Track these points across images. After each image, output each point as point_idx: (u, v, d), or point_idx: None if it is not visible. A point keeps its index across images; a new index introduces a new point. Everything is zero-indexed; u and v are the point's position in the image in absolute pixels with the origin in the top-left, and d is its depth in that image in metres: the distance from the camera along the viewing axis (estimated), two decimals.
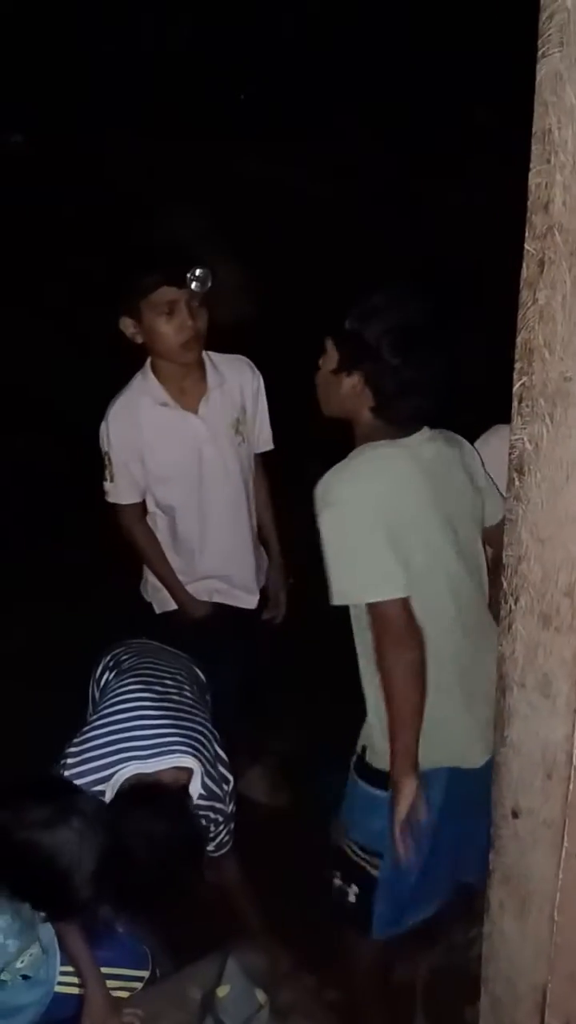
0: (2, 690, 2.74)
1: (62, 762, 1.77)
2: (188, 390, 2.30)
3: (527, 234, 0.88)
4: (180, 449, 2.31)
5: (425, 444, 1.69)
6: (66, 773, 1.73)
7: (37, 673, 2.86)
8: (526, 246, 0.88)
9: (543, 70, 0.81)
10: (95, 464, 2.32)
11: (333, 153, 5.34)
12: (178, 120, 5.46)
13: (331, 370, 1.67)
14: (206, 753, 1.82)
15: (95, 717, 1.85)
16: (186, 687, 2.00)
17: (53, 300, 4.81)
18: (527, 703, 1.03)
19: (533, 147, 0.84)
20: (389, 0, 5.42)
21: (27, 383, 4.30)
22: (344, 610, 1.66)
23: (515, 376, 0.96)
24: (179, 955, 1.98)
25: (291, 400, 2.21)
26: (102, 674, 2.09)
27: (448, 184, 5.09)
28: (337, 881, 1.78)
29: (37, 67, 5.67)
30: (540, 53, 0.80)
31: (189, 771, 1.76)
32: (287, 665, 2.68)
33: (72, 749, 1.78)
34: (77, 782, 1.71)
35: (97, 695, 2.05)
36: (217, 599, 2.45)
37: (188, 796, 1.75)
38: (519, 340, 0.94)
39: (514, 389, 0.96)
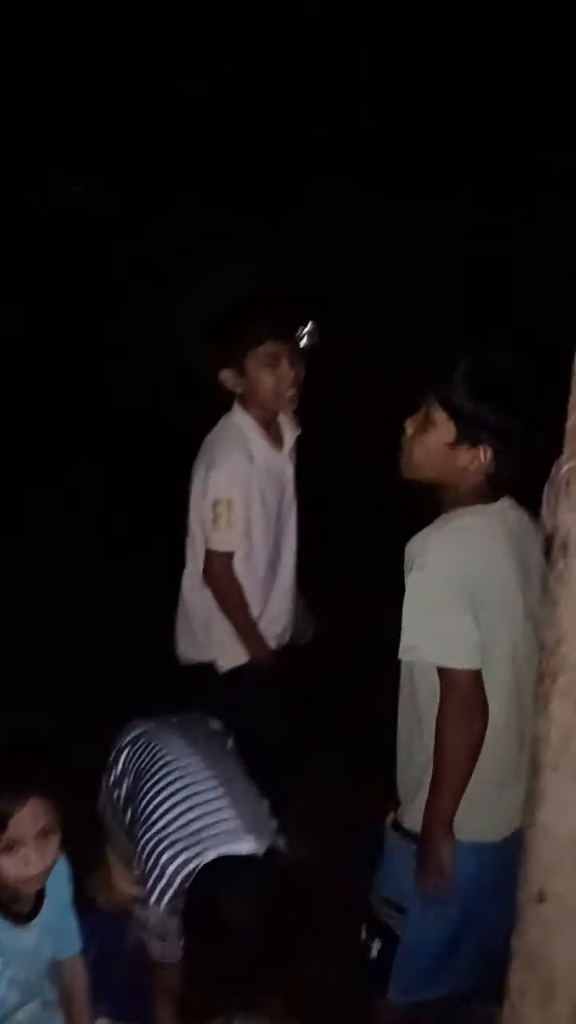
0: None
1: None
2: (274, 432, 2.39)
3: None
4: (277, 489, 2.40)
5: (509, 511, 1.70)
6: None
7: None
8: None
9: None
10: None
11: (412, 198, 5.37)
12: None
13: (447, 442, 1.63)
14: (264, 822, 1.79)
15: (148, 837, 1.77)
16: (220, 761, 1.92)
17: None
18: (560, 786, 1.02)
19: None
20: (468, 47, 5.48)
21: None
22: (363, 664, 1.68)
23: (564, 459, 0.97)
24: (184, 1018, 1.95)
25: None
26: (119, 783, 1.96)
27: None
28: (363, 934, 1.77)
29: (105, 118, 5.80)
30: None
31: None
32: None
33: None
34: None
35: (120, 805, 1.93)
36: (276, 644, 2.44)
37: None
38: (568, 425, 0.96)
39: (562, 472, 0.97)
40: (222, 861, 1.69)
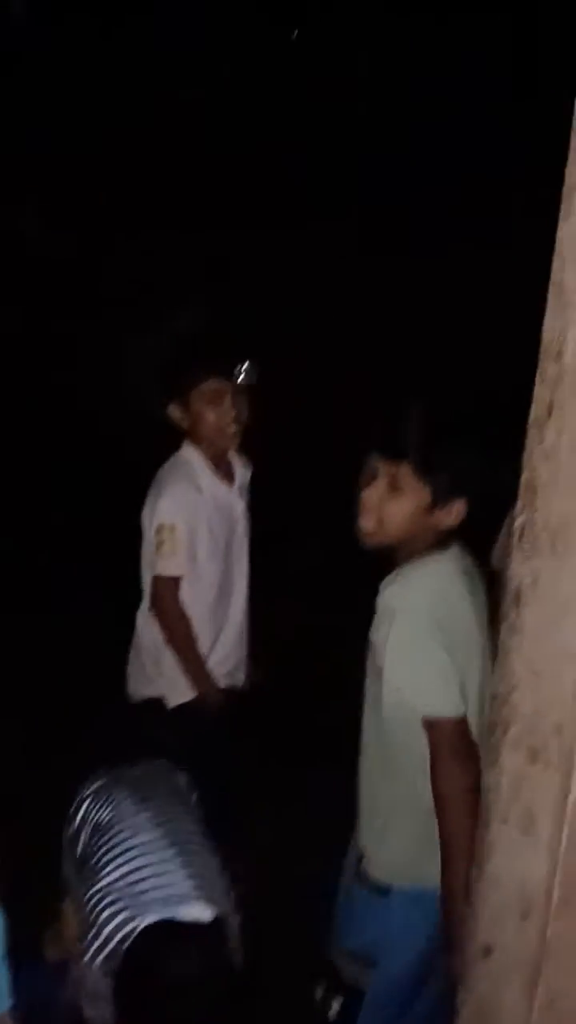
0: None
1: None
2: (224, 468, 2.46)
3: (538, 378, 0.91)
4: (226, 523, 2.43)
5: (463, 556, 1.68)
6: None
7: None
8: (536, 390, 0.91)
9: (564, 229, 0.85)
10: None
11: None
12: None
13: (422, 507, 1.58)
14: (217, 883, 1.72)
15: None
16: (179, 816, 1.85)
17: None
18: (508, 838, 1.01)
19: (549, 299, 0.87)
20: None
21: None
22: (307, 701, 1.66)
23: (517, 511, 0.98)
24: None
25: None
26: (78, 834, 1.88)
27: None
28: (320, 991, 1.73)
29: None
30: (563, 214, 0.84)
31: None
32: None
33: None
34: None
35: (77, 858, 1.85)
36: (225, 684, 2.46)
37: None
38: (524, 477, 0.97)
39: (516, 524, 0.98)
40: (162, 925, 1.62)
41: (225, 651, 2.45)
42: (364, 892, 1.70)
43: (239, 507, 2.46)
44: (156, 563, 2.34)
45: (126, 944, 1.60)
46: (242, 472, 2.48)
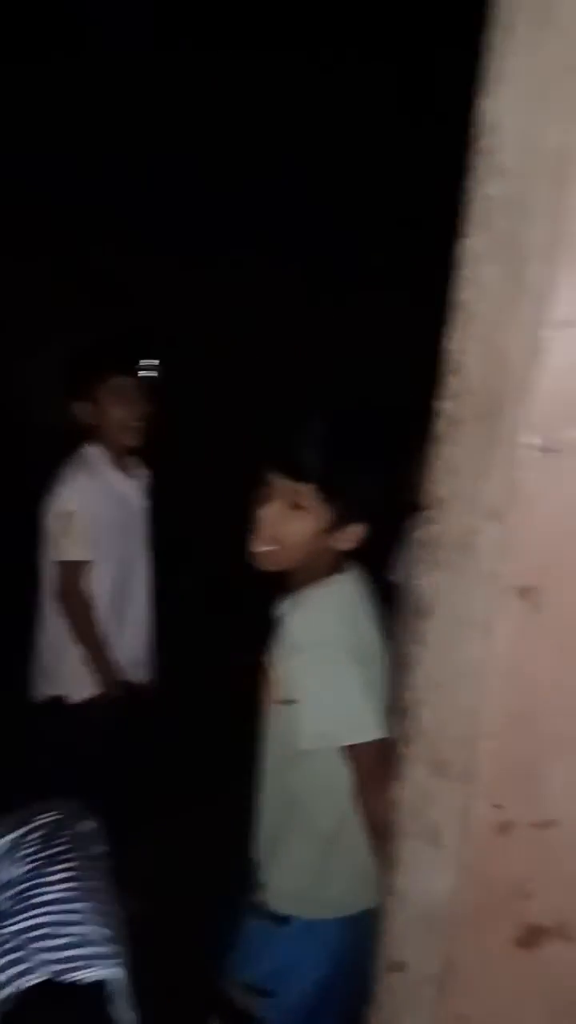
0: None
1: None
2: (125, 463, 2.54)
3: (440, 394, 0.92)
4: (126, 513, 2.50)
5: (358, 575, 1.67)
6: None
7: None
8: (438, 405, 0.92)
9: (465, 247, 0.87)
10: None
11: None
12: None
13: (323, 528, 1.55)
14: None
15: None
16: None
17: None
18: (415, 852, 1.01)
19: (451, 316, 0.89)
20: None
21: None
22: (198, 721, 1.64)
23: (420, 524, 0.99)
24: None
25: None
26: None
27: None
28: None
29: None
30: (464, 232, 0.86)
31: None
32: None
33: None
34: None
35: None
36: (126, 677, 2.50)
37: None
38: (426, 490, 0.98)
39: (419, 537, 0.99)
40: (42, 988, 1.54)
41: (128, 644, 2.51)
42: (260, 923, 1.67)
43: (137, 501, 2.53)
44: (59, 548, 2.37)
45: (6, 1007, 1.52)
46: (140, 474, 2.54)
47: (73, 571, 2.38)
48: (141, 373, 2.50)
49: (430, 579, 0.98)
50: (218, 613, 3.26)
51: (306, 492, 1.53)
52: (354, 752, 1.54)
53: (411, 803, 1.02)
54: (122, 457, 2.51)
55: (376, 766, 1.52)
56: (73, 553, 2.38)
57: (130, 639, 2.51)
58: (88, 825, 1.79)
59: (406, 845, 1.03)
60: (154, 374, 2.60)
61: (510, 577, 0.88)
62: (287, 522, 1.55)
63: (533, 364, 0.81)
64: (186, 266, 5.45)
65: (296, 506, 1.54)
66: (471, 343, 0.88)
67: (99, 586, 2.42)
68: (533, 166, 0.79)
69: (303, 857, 1.66)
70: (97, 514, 2.41)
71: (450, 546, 0.96)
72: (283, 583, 1.67)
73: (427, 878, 1.01)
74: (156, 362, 2.63)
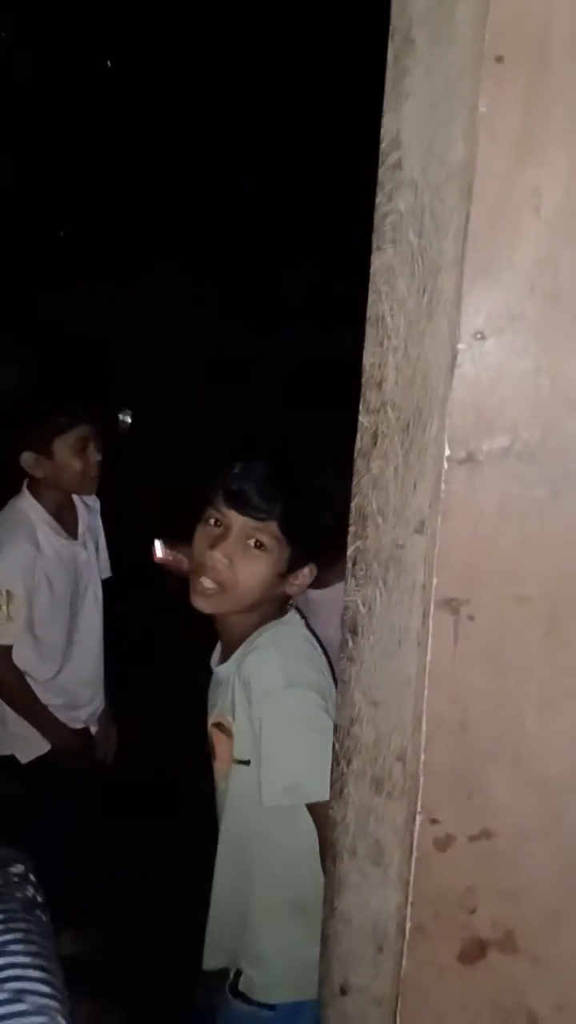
0: None
1: None
2: (67, 518, 2.39)
3: (362, 408, 0.92)
4: (70, 576, 2.36)
5: (300, 616, 1.61)
6: None
7: None
8: (361, 419, 0.92)
9: (377, 262, 0.87)
10: None
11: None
12: None
13: (280, 572, 1.49)
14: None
15: None
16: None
17: None
18: (358, 872, 1.00)
19: (367, 331, 0.88)
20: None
21: None
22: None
23: (350, 540, 0.98)
24: None
25: None
26: None
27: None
28: None
29: None
30: (375, 247, 0.86)
31: None
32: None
33: None
34: None
35: None
36: (79, 726, 2.43)
37: None
38: (353, 505, 0.97)
39: (348, 552, 0.98)
40: None
41: (79, 702, 2.42)
42: (243, 1008, 1.56)
43: (82, 556, 2.41)
44: None
45: None
46: (86, 515, 2.45)
47: (4, 653, 2.25)
48: (123, 423, 2.50)
49: (361, 594, 0.98)
50: (173, 641, 3.22)
51: (267, 530, 1.48)
52: (325, 809, 1.44)
53: (353, 822, 1.01)
54: (64, 506, 2.37)
55: None
56: (3, 637, 2.24)
57: (80, 695, 2.41)
58: (18, 868, 1.73)
59: (350, 866, 1.02)
60: (127, 421, 2.49)
61: (438, 589, 0.88)
62: (244, 562, 1.48)
63: (449, 376, 0.81)
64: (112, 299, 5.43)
65: (257, 545, 1.48)
66: (389, 357, 0.88)
67: (44, 655, 2.32)
68: (440, 179, 0.80)
69: (278, 937, 1.55)
70: (37, 587, 2.26)
71: (379, 561, 0.96)
72: (223, 629, 1.60)
73: (371, 898, 1.00)
74: (129, 412, 2.50)
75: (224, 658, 1.59)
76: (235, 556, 1.47)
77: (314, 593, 1.76)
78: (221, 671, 1.58)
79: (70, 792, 2.30)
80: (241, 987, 1.57)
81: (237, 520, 1.48)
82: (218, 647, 1.63)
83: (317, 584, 1.64)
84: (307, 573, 1.53)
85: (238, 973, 1.58)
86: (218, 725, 1.57)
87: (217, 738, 1.57)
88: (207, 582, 1.48)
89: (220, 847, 1.57)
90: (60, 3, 4.93)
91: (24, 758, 2.30)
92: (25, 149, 5.35)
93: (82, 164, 5.51)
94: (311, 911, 1.49)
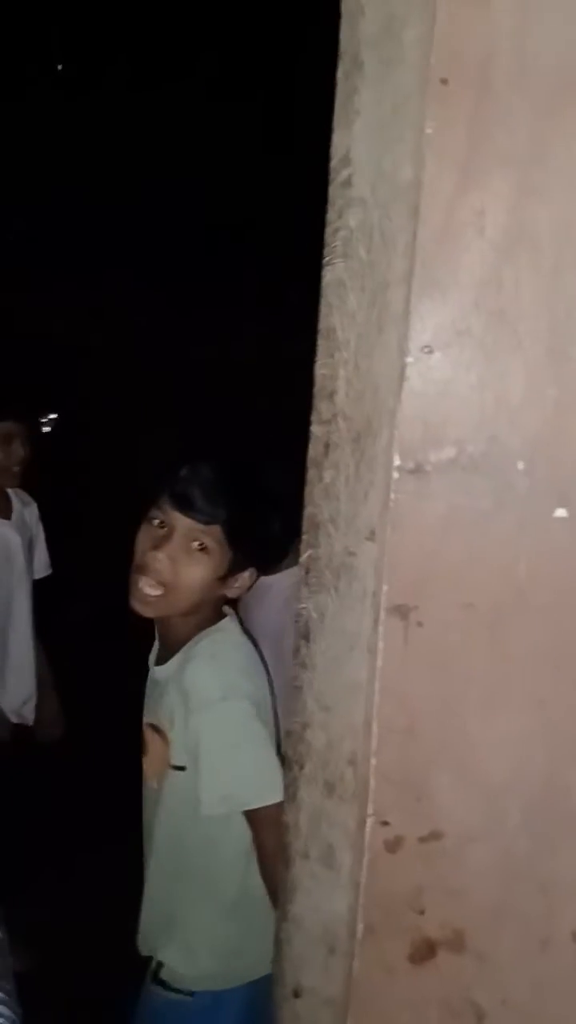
0: None
1: None
2: (1, 505, 2.48)
3: (313, 418, 0.94)
4: (2, 558, 2.43)
5: (236, 619, 1.62)
6: None
7: None
8: (313, 429, 0.94)
9: (328, 276, 0.88)
10: None
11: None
12: None
13: (220, 575, 1.50)
14: None
15: None
16: None
17: None
18: (310, 875, 1.02)
19: (319, 343, 0.90)
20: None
21: None
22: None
23: (302, 548, 1.00)
24: None
25: None
26: None
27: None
28: None
29: None
30: (326, 262, 0.88)
31: None
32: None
33: None
34: None
35: None
36: (16, 720, 2.42)
37: None
38: (306, 514, 0.99)
39: (301, 560, 1.00)
40: None
41: (11, 687, 2.43)
42: (164, 999, 1.60)
43: (15, 540, 2.46)
44: None
45: None
46: (20, 507, 2.51)
47: None
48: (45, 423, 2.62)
49: (313, 601, 0.99)
50: (109, 640, 3.22)
51: (211, 534, 1.49)
52: (259, 815, 1.46)
53: (305, 826, 1.03)
54: None
55: (279, 827, 1.47)
56: None
57: (13, 679, 2.43)
58: None
59: (302, 869, 1.03)
60: (49, 425, 2.62)
61: (388, 596, 0.90)
62: (187, 565, 1.48)
63: (398, 389, 0.83)
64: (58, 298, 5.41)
65: (200, 548, 1.49)
66: (340, 369, 0.90)
67: None
68: (389, 198, 0.82)
69: (205, 931, 1.58)
70: None
71: (331, 568, 0.98)
72: (162, 631, 1.60)
73: (323, 900, 1.02)
74: (55, 415, 2.66)
75: (162, 659, 1.60)
76: (177, 558, 1.48)
77: (264, 579, 1.77)
78: (159, 672, 1.59)
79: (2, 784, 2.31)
80: (163, 975, 1.60)
81: (181, 522, 1.49)
82: (156, 646, 1.65)
83: (266, 571, 1.66)
84: (247, 577, 1.55)
85: (159, 964, 1.61)
86: (152, 727, 1.58)
87: (151, 738, 1.58)
88: (148, 587, 1.49)
89: (153, 844, 1.59)
90: (7, 10, 4.92)
91: None
92: None
93: (31, 169, 5.49)
94: (233, 908, 1.53)
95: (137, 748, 1.61)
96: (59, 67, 5.35)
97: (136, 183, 5.38)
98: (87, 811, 2.84)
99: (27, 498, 2.59)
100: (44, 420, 2.59)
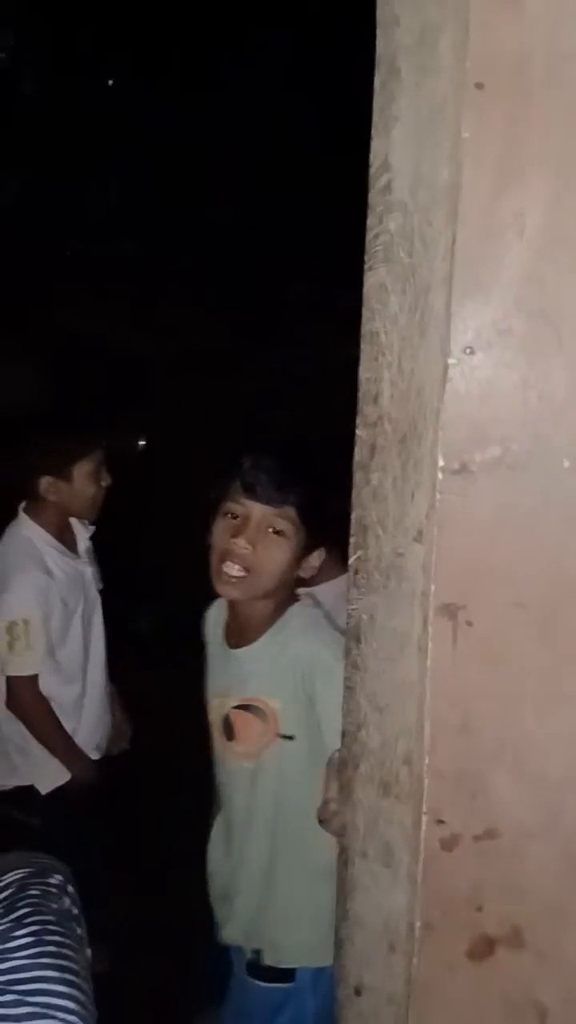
0: None
1: None
2: (67, 537, 2.35)
3: (359, 422, 0.95)
4: (79, 594, 2.33)
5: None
6: None
7: None
8: (358, 432, 0.95)
9: (370, 281, 0.90)
10: None
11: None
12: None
13: (298, 555, 1.56)
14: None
15: None
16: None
17: None
18: (369, 874, 1.03)
19: (363, 347, 0.92)
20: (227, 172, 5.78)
21: None
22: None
23: (351, 550, 1.01)
24: None
25: None
26: None
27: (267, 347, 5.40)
28: None
29: None
30: (367, 267, 0.89)
31: None
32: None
33: None
34: None
35: None
36: (97, 756, 2.39)
37: None
38: (354, 517, 1.00)
39: (350, 562, 1.01)
40: None
41: (92, 722, 2.38)
42: (266, 985, 1.61)
43: (88, 572, 2.39)
44: (11, 662, 2.20)
45: None
46: (84, 536, 2.41)
47: (28, 685, 2.22)
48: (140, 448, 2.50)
49: (363, 602, 1.00)
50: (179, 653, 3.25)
51: (285, 516, 1.55)
52: None
53: (363, 825, 1.04)
54: (62, 530, 2.34)
55: None
56: (28, 668, 2.21)
57: (95, 715, 2.38)
58: (57, 878, 1.76)
59: (361, 868, 1.04)
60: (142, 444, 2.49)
61: (437, 596, 0.91)
62: (266, 548, 1.55)
63: (441, 390, 0.84)
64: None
65: (276, 532, 1.55)
66: (384, 372, 0.91)
67: (63, 680, 2.30)
68: (428, 202, 0.83)
69: (305, 899, 1.59)
70: (52, 612, 2.24)
71: (380, 570, 0.99)
72: (242, 615, 1.65)
73: (383, 899, 1.02)
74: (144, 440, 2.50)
75: (241, 643, 1.63)
76: (257, 543, 1.54)
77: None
78: (243, 654, 1.62)
79: (85, 820, 2.27)
80: (265, 959, 1.61)
81: (255, 510, 1.54)
82: (223, 632, 1.68)
83: (304, 583, 1.69)
84: (317, 556, 1.60)
85: (256, 953, 1.62)
86: (242, 707, 1.60)
87: (240, 719, 1.61)
88: (232, 569, 1.54)
89: (250, 825, 1.60)
90: (59, 13, 5.01)
91: (44, 789, 2.27)
92: (28, 164, 5.42)
93: (86, 178, 5.57)
94: (330, 873, 1.54)
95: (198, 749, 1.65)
96: (110, 82, 5.44)
97: (199, 197, 5.45)
98: (155, 814, 2.86)
99: (84, 523, 2.47)
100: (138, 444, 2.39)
